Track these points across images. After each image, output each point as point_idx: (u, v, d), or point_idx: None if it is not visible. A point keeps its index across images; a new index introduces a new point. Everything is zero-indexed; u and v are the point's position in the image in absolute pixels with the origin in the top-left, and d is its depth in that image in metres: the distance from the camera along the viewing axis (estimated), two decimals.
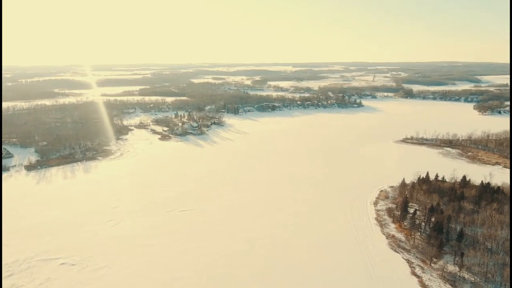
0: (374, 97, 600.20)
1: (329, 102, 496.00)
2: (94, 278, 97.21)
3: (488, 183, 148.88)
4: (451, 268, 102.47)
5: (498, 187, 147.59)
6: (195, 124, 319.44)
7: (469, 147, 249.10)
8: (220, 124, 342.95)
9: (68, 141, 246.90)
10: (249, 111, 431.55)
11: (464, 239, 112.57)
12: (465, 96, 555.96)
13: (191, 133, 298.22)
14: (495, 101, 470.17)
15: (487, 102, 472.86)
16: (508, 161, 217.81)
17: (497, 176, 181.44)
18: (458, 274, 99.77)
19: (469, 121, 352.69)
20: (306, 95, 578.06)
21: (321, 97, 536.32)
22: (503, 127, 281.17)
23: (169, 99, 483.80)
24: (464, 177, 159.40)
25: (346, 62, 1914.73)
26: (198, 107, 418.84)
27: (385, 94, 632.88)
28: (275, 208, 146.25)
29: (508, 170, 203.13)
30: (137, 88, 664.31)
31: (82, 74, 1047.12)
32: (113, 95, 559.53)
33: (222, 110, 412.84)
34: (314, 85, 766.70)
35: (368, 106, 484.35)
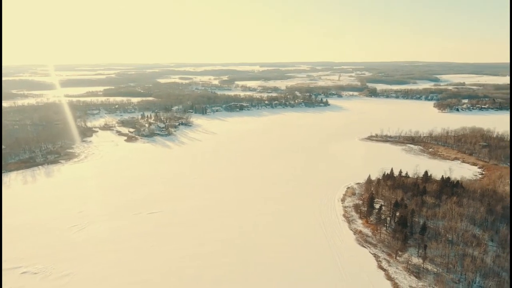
0: (340, 96, 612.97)
1: (296, 101, 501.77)
2: (58, 287, 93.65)
3: (448, 178, 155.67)
4: (415, 260, 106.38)
5: (457, 181, 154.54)
6: (162, 125, 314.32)
7: (430, 144, 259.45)
8: (188, 124, 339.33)
9: (28, 144, 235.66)
10: (217, 111, 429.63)
11: (427, 232, 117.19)
12: (426, 95, 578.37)
13: (158, 134, 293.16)
14: (453, 99, 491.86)
15: (446, 100, 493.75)
16: (466, 156, 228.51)
17: (456, 170, 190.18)
18: (422, 266, 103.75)
19: (429, 119, 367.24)
20: (274, 94, 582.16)
21: (288, 96, 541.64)
22: (461, 124, 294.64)
23: (135, 100, 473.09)
24: (426, 172, 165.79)
25: (312, 61, 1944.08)
26: (165, 108, 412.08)
27: (351, 93, 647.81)
28: (245, 208, 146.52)
29: (466, 165, 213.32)
30: (101, 88, 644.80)
31: (42, 74, 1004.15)
32: (76, 96, 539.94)
33: (190, 111, 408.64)
34: (282, 84, 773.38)
35: (334, 105, 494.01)
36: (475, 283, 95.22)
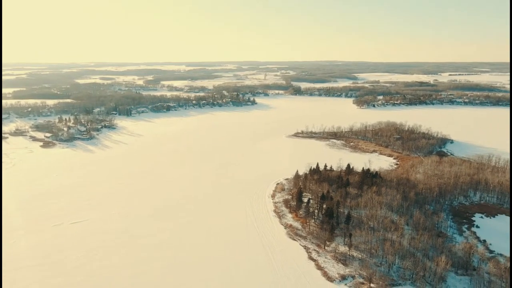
0: (266, 94, 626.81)
1: (224, 100, 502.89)
2: None
3: (368, 169, 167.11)
4: (342, 248, 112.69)
5: (376, 172, 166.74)
6: (83, 128, 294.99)
7: (351, 138, 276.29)
8: (111, 127, 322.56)
9: None
10: (142, 112, 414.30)
11: (351, 221, 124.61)
12: (345, 92, 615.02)
13: (79, 138, 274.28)
14: (370, 96, 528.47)
15: (363, 97, 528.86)
16: (382, 149, 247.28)
17: (375, 162, 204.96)
18: (348, 253, 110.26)
19: (350, 115, 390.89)
20: (201, 94, 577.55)
21: (216, 96, 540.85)
22: (377, 119, 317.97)
23: (51, 102, 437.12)
24: (348, 165, 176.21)
25: (238, 61, 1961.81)
26: (85, 110, 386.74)
27: (277, 91, 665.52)
28: (175, 210, 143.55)
29: (383, 156, 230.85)
30: (11, 90, 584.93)
31: None
32: None
33: (113, 112, 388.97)
34: (209, 84, 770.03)
35: (261, 103, 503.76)
36: (394, 265, 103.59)
